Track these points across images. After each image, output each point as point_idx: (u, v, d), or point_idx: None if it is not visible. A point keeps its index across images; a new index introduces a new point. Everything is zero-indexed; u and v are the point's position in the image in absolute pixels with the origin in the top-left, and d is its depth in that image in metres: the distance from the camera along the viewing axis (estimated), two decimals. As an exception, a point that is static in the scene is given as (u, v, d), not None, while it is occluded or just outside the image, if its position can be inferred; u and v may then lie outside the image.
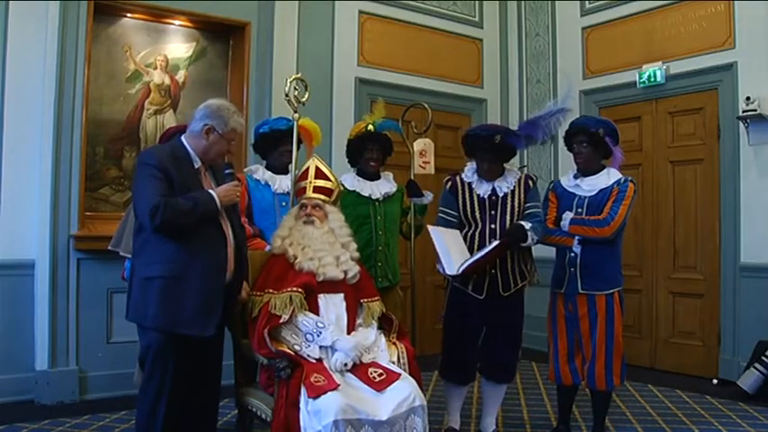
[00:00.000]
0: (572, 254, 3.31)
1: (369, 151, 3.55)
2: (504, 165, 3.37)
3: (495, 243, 3.08)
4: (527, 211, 3.30)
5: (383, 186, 3.61)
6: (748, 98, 4.56)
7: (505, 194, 3.29)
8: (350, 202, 3.46)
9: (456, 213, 3.33)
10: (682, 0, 5.08)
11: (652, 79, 5.20)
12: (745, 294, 4.67)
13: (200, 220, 2.59)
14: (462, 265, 3.06)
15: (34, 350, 4.03)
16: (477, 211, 3.30)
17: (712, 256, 4.92)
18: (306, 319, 2.72)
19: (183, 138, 2.76)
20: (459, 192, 3.34)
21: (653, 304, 5.26)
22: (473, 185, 3.34)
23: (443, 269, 3.12)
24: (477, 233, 3.28)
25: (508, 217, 3.28)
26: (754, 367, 4.25)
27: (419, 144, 4.01)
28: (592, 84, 5.70)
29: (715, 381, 4.70)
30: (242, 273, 2.81)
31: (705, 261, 4.98)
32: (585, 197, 3.34)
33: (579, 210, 3.33)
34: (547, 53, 6.08)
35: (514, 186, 3.32)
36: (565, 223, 3.31)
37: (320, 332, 2.69)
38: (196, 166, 2.70)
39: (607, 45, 5.60)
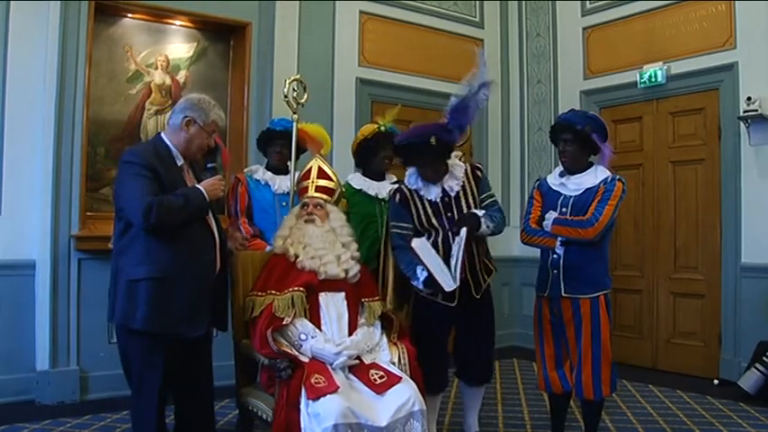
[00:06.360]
0: (555, 255, 3.13)
1: (384, 150, 3.54)
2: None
3: (463, 235, 2.94)
4: (484, 203, 3.19)
5: (388, 187, 3.61)
6: (749, 98, 4.55)
7: (457, 193, 3.15)
8: (357, 202, 3.47)
9: (410, 225, 3.16)
10: (682, 0, 5.08)
11: (653, 79, 5.20)
12: (745, 295, 4.66)
13: (191, 216, 2.56)
14: (456, 274, 2.91)
15: (35, 350, 4.03)
16: (432, 217, 3.13)
17: (713, 257, 4.92)
18: (301, 325, 2.71)
19: (162, 135, 2.69)
20: (411, 202, 3.17)
21: (654, 305, 5.25)
22: (421, 192, 3.17)
23: (442, 285, 2.90)
24: (439, 240, 3.11)
25: None
26: (755, 368, 4.24)
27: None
28: (592, 84, 5.70)
29: (716, 381, 4.69)
30: (226, 272, 2.80)
31: (706, 261, 4.97)
32: (571, 196, 3.14)
33: (563, 209, 3.13)
34: (547, 53, 6.07)
35: (464, 181, 3.18)
36: (547, 223, 3.12)
37: (305, 341, 2.67)
38: (179, 164, 2.66)
39: (608, 45, 5.59)
